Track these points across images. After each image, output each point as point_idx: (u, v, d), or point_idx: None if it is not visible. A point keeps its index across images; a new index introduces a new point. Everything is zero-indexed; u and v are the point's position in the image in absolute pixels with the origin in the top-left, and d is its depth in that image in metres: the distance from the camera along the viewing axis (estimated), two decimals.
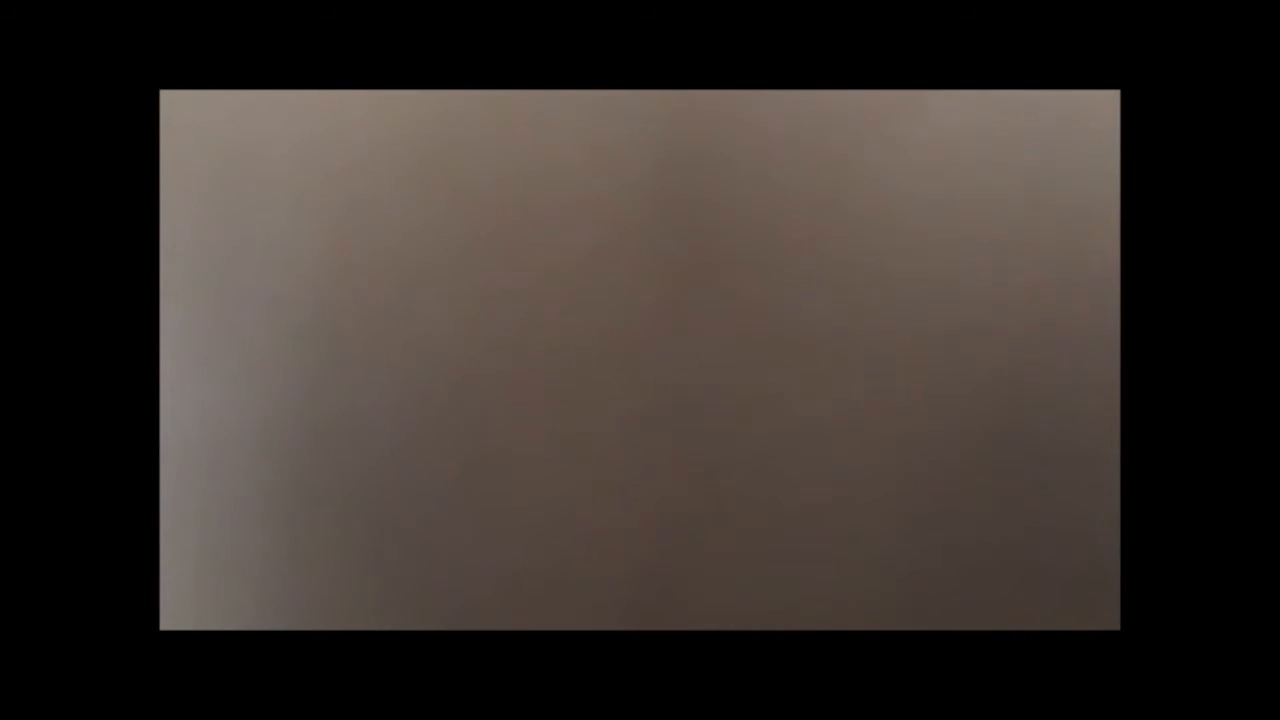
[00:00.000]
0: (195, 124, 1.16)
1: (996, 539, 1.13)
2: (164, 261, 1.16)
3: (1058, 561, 1.13)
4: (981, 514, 1.13)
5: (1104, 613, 1.12)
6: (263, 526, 1.15)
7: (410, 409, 1.14)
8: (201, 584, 1.15)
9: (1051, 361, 1.13)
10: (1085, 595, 1.13)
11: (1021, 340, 1.13)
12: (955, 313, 1.13)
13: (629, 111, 1.14)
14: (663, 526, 1.14)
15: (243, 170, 1.16)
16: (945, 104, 1.14)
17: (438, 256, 1.15)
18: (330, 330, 1.15)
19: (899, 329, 1.13)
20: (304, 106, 1.15)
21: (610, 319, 1.14)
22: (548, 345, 1.14)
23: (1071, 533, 1.13)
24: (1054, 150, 1.14)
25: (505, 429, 1.14)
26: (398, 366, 1.15)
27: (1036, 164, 1.14)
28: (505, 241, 1.15)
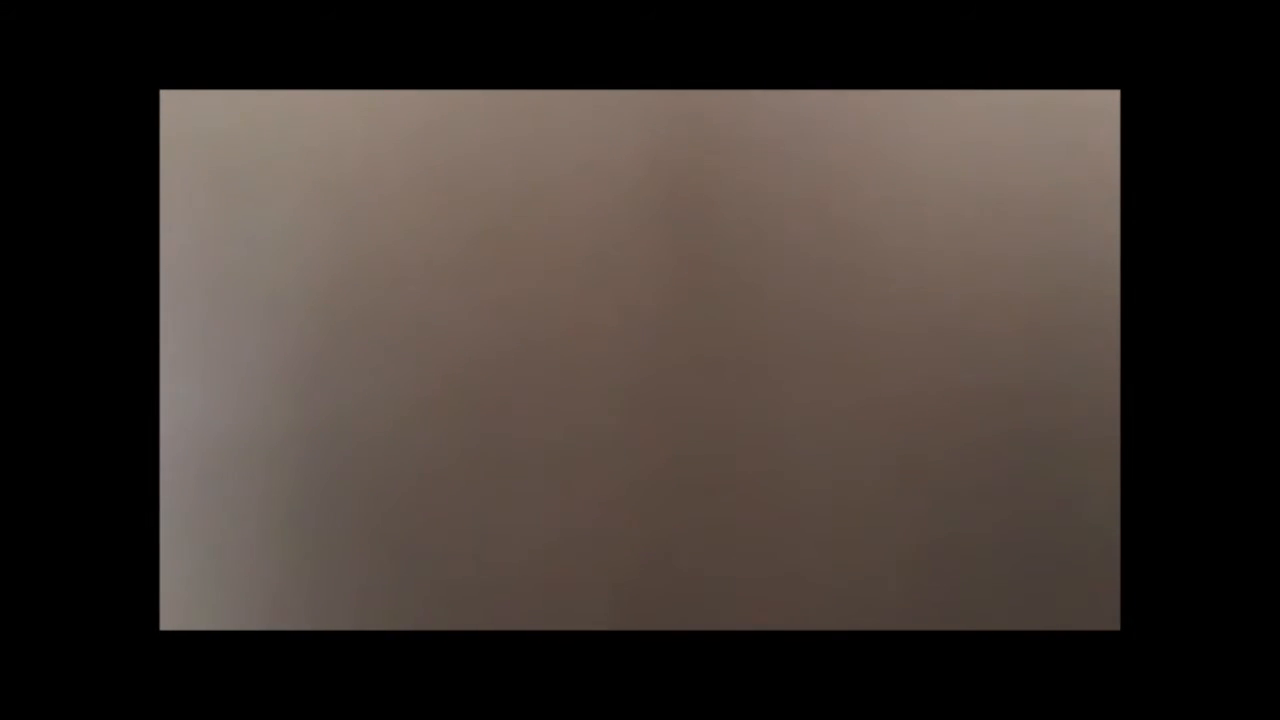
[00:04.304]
0: (195, 124, 1.16)
1: (996, 539, 1.13)
2: (164, 262, 1.16)
3: (1057, 561, 1.13)
4: (981, 515, 1.13)
5: (1104, 613, 1.12)
6: (263, 526, 1.15)
7: (410, 411, 1.14)
8: (202, 584, 1.15)
9: (1051, 362, 1.13)
10: (1085, 595, 1.13)
11: (1021, 340, 1.13)
12: (955, 312, 1.13)
13: (627, 112, 1.14)
14: (660, 527, 1.14)
15: (243, 171, 1.16)
16: (946, 104, 1.14)
17: (438, 258, 1.15)
18: (330, 331, 1.15)
19: (899, 328, 1.13)
20: (304, 106, 1.15)
21: (607, 321, 1.14)
22: (547, 347, 1.14)
23: (1071, 533, 1.13)
24: (1054, 150, 1.14)
25: (505, 431, 1.14)
26: (397, 368, 1.15)
27: (1036, 164, 1.14)
28: (505, 243, 1.15)
